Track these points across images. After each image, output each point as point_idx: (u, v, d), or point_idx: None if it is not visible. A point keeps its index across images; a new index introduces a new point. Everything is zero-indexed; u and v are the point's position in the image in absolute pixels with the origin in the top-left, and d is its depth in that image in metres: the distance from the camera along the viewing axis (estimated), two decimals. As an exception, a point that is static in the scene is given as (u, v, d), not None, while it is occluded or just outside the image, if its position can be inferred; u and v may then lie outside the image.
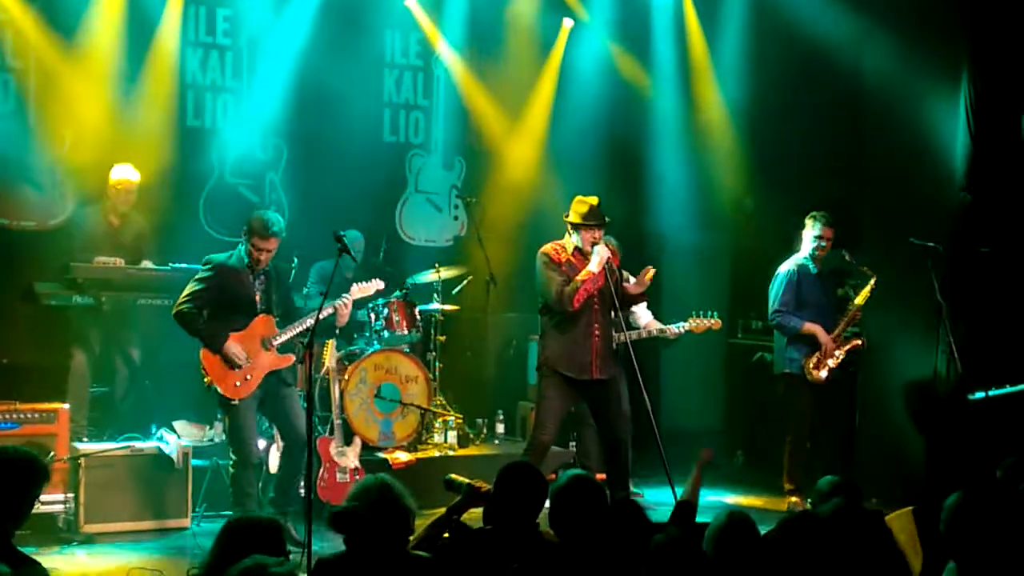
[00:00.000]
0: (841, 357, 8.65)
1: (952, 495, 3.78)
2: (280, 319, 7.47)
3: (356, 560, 4.19)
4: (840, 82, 9.81)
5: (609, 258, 7.53)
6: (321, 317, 6.96)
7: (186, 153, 9.84)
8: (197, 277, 7.36)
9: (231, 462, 7.36)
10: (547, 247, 7.70)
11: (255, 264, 7.34)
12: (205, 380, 7.27)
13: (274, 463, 7.93)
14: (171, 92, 9.81)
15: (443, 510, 4.95)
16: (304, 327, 7.33)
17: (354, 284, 7.74)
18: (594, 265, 7.47)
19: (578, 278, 7.49)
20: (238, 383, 7.23)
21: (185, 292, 7.31)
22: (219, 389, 7.25)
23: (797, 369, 8.71)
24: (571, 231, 7.67)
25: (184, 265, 8.45)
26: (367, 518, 4.17)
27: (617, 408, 7.69)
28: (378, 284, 7.83)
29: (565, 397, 7.75)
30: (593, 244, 7.54)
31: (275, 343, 7.35)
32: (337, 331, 7.84)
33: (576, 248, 7.64)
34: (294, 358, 7.55)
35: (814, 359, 8.64)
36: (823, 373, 8.62)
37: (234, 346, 7.22)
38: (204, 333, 7.26)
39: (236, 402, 7.24)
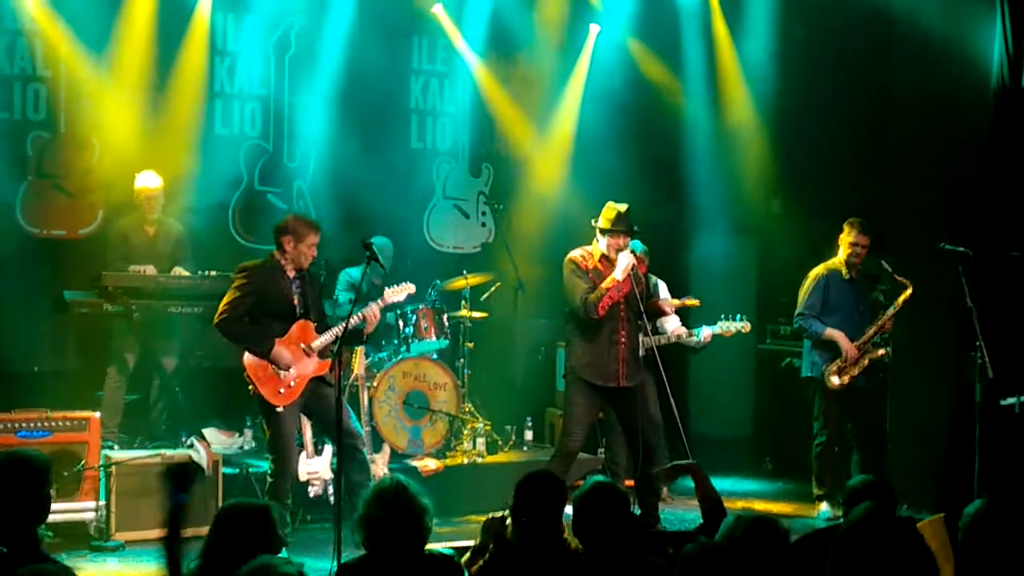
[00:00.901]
0: (865, 365, 8.59)
1: (974, 502, 3.74)
2: (317, 323, 7.43)
3: (377, 562, 4.23)
4: (869, 81, 9.75)
5: (635, 265, 7.53)
6: (352, 324, 7.01)
7: (215, 161, 9.89)
8: (234, 285, 7.29)
9: (270, 470, 7.31)
10: (574, 253, 7.71)
11: (299, 265, 7.30)
12: (249, 388, 7.24)
13: (302, 470, 7.92)
14: (200, 100, 9.86)
15: (470, 517, 4.97)
16: (336, 333, 7.32)
17: (386, 288, 7.73)
18: (619, 272, 7.47)
19: (603, 285, 7.49)
20: (282, 390, 7.19)
21: (224, 301, 7.25)
22: (264, 396, 7.20)
23: (818, 374, 8.68)
24: (599, 236, 7.67)
25: (214, 273, 8.50)
26: (384, 521, 4.22)
27: (645, 413, 7.67)
28: (409, 287, 7.77)
29: (592, 404, 7.74)
30: (618, 251, 7.54)
31: (316, 347, 7.30)
32: (366, 338, 7.83)
33: (603, 254, 7.64)
34: (329, 363, 7.53)
35: (835, 365, 8.59)
36: (840, 380, 8.55)
37: (280, 349, 7.18)
38: (250, 339, 7.22)
39: (280, 409, 7.19)
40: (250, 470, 8.01)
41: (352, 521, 4.45)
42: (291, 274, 7.34)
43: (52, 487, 4.57)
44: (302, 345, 7.29)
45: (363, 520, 4.28)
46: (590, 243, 7.78)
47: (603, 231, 7.62)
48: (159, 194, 8.81)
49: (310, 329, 7.35)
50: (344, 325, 6.95)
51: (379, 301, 7.53)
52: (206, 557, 4.17)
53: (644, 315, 7.60)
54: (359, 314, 7.31)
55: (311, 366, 7.30)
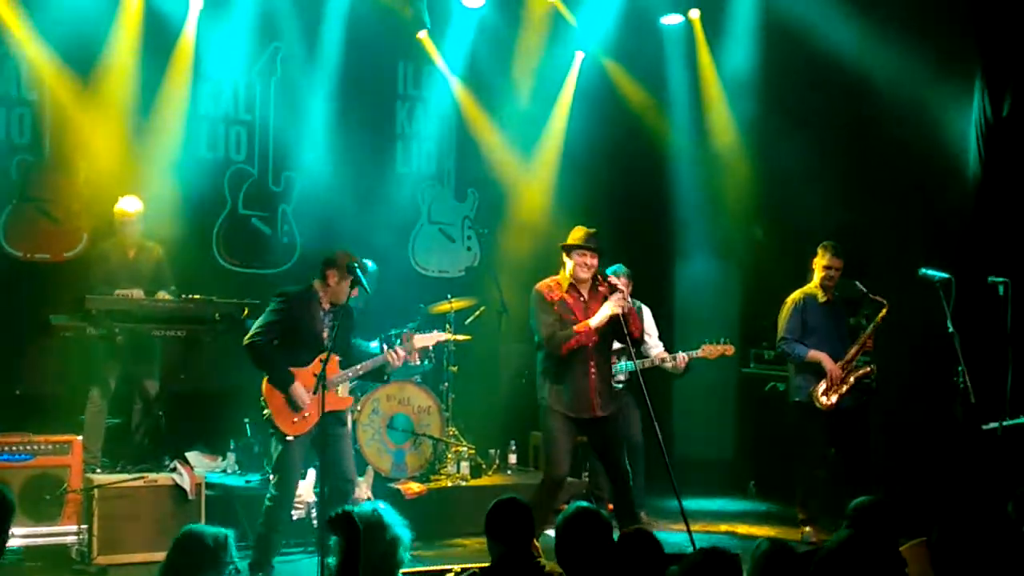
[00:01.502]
0: (851, 383, 8.64)
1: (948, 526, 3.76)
2: (342, 359, 7.37)
3: None
4: (851, 106, 9.82)
5: (622, 292, 7.48)
6: (374, 364, 7.26)
7: (199, 185, 9.89)
8: (271, 308, 7.25)
9: (270, 495, 7.25)
10: (541, 284, 7.61)
11: (337, 300, 7.24)
12: (264, 412, 7.21)
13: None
14: (185, 124, 9.86)
15: (454, 541, 4.99)
16: (365, 370, 7.34)
17: (415, 334, 7.71)
18: (595, 319, 7.37)
19: (576, 328, 7.39)
20: (295, 420, 7.13)
21: (257, 323, 7.23)
22: (277, 423, 7.17)
23: (805, 397, 8.71)
24: (566, 258, 7.59)
25: (198, 296, 8.49)
26: (353, 546, 4.20)
27: (619, 442, 7.66)
28: (440, 336, 7.81)
29: (570, 432, 7.60)
30: (588, 269, 7.45)
31: (335, 383, 7.26)
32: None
33: (571, 283, 7.53)
34: (352, 400, 7.50)
35: (822, 386, 8.63)
36: (829, 399, 8.59)
37: (299, 388, 7.10)
38: (274, 369, 7.16)
39: (291, 438, 7.15)
40: (234, 493, 7.97)
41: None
42: (326, 306, 7.28)
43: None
44: (323, 378, 7.19)
45: (336, 545, 4.30)
46: (559, 272, 7.70)
47: (568, 248, 7.53)
48: (136, 219, 8.75)
49: (334, 363, 7.25)
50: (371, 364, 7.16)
51: (406, 346, 7.50)
52: None
53: (630, 340, 7.54)
54: (388, 354, 7.32)
55: (328, 400, 7.13)
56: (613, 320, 7.34)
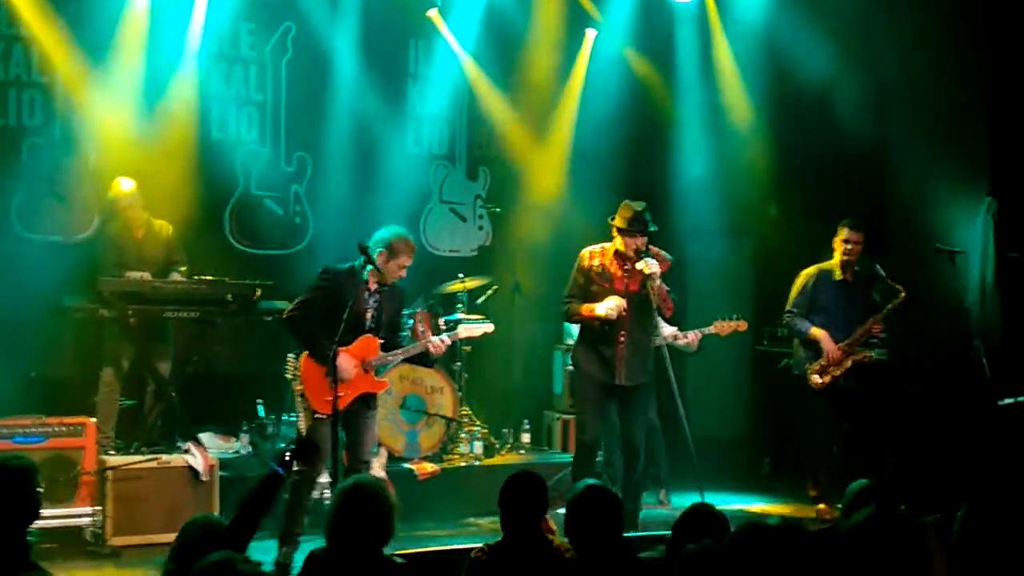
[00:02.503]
0: (848, 366, 8.56)
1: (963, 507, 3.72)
2: (384, 342, 7.27)
3: (335, 556, 4.29)
4: (867, 81, 9.76)
5: (652, 272, 7.51)
6: (416, 351, 7.28)
7: (211, 166, 9.87)
8: (313, 285, 7.17)
9: (296, 469, 7.24)
10: (586, 250, 7.83)
11: (384, 280, 7.13)
12: (297, 387, 7.18)
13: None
14: (196, 105, 9.83)
15: (468, 520, 5.02)
16: (406, 355, 7.29)
17: (461, 325, 7.71)
18: (601, 308, 7.58)
19: (581, 308, 7.67)
20: (329, 399, 6.96)
21: (298, 299, 7.16)
22: (309, 399, 7.09)
23: (803, 372, 8.68)
24: (615, 234, 7.68)
25: (210, 277, 8.49)
26: (345, 515, 4.28)
27: (639, 420, 7.70)
28: (487, 327, 7.82)
29: (598, 395, 7.78)
30: (636, 251, 7.57)
31: (375, 365, 7.20)
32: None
33: (617, 250, 7.68)
34: (388, 383, 7.46)
35: (817, 365, 8.59)
36: (821, 379, 8.53)
37: (344, 362, 6.97)
38: (315, 342, 7.02)
39: (321, 415, 7.03)
40: (246, 475, 7.98)
41: None
42: (373, 286, 7.17)
43: (40, 489, 4.54)
44: (363, 360, 7.14)
45: (329, 514, 4.38)
46: (590, 244, 7.86)
47: (619, 230, 7.64)
48: (131, 198, 8.59)
49: (375, 346, 7.17)
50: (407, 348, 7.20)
51: (454, 334, 7.51)
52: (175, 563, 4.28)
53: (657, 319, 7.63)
54: (420, 345, 7.31)
55: (364, 382, 7.18)
56: (647, 297, 7.52)
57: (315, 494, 7.92)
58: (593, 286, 7.70)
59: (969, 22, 8.87)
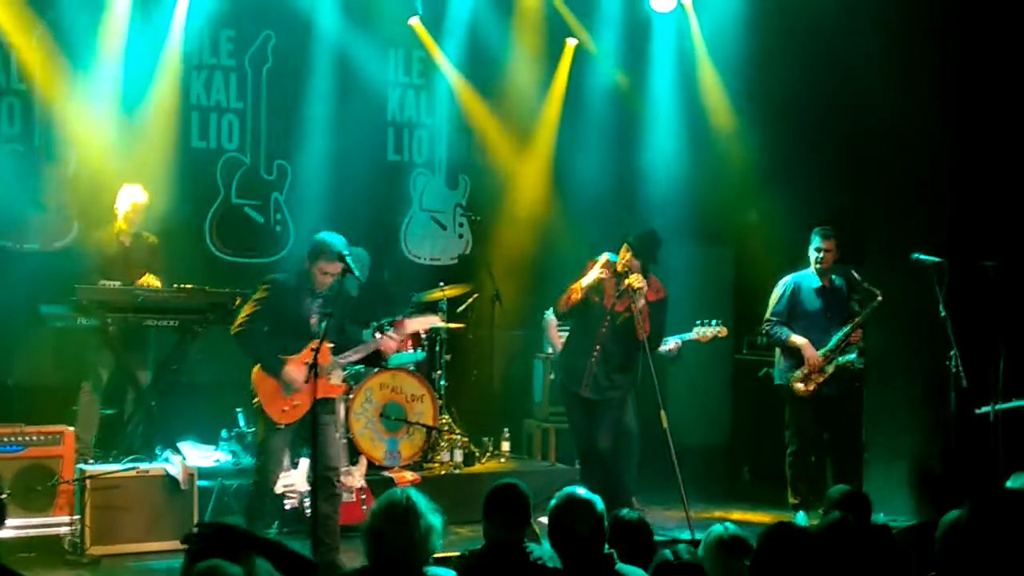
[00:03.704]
0: (830, 373, 8.59)
1: (950, 511, 3.74)
2: (335, 345, 7.26)
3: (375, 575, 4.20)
4: (843, 85, 9.79)
5: (640, 287, 7.69)
6: (366, 352, 7.24)
7: (191, 174, 9.86)
8: (255, 297, 7.18)
9: (253, 480, 7.26)
10: (604, 255, 8.06)
11: (317, 286, 7.16)
12: (254, 401, 7.17)
13: (279, 484, 7.88)
14: (176, 113, 9.83)
15: (450, 528, 4.96)
16: (357, 356, 7.29)
17: (408, 318, 7.71)
18: (586, 280, 7.87)
19: (573, 287, 7.92)
20: (285, 408, 7.05)
21: (243, 312, 7.17)
22: (267, 412, 7.10)
23: (786, 381, 8.71)
24: (624, 251, 7.96)
25: (191, 286, 8.48)
26: (385, 533, 4.17)
27: (600, 426, 7.90)
28: (433, 319, 7.86)
29: (576, 404, 8.06)
30: (623, 264, 7.84)
31: (329, 370, 7.20)
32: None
33: (615, 272, 7.92)
34: (345, 387, 7.46)
35: (800, 373, 8.60)
36: (805, 387, 8.55)
37: (292, 370, 7.02)
38: (263, 355, 7.08)
39: (280, 426, 7.09)
40: (225, 482, 7.96)
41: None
42: (315, 291, 7.18)
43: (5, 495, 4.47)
44: (314, 366, 7.08)
45: (366, 531, 4.24)
46: (569, 255, 8.03)
47: (631, 246, 7.91)
48: (143, 208, 8.75)
49: (326, 351, 7.13)
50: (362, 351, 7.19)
51: (399, 331, 7.51)
52: None
53: (646, 345, 7.75)
54: (374, 343, 7.31)
55: (319, 388, 7.10)
56: (631, 319, 7.78)
57: (294, 503, 7.94)
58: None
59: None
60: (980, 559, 3.56)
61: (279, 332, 7.10)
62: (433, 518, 4.25)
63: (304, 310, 7.14)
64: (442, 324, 7.90)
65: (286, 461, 7.87)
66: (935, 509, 5.15)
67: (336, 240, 7.09)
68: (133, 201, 8.71)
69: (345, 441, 8.29)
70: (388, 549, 4.17)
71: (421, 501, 4.26)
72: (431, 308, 9.70)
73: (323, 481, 7.08)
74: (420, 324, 7.70)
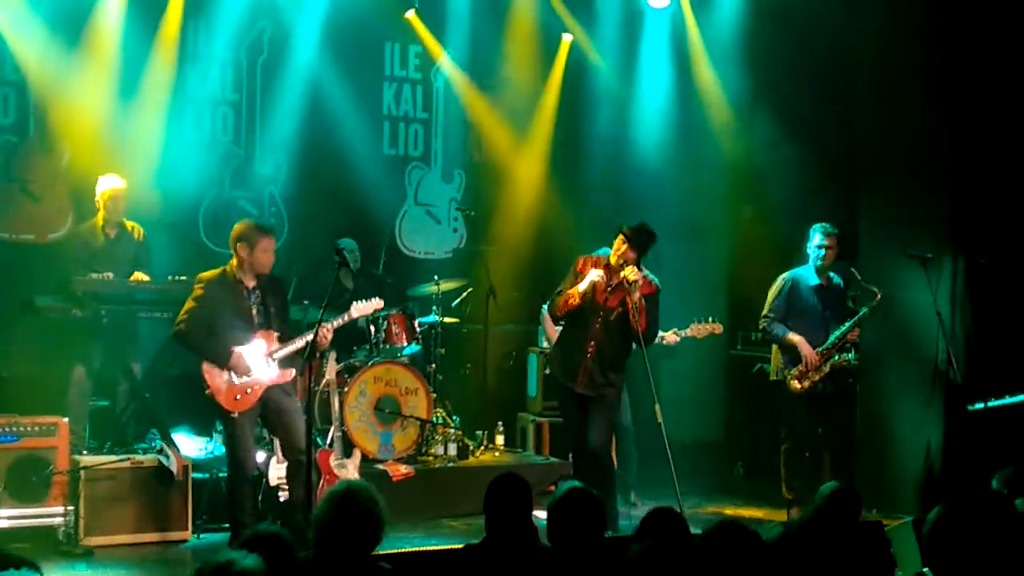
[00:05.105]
0: (826, 371, 8.59)
1: (935, 507, 3.75)
2: (279, 333, 7.41)
3: (321, 564, 4.21)
4: (839, 79, 9.81)
5: (635, 280, 7.59)
6: (318, 336, 7.05)
7: (186, 166, 9.84)
8: (190, 296, 7.32)
9: (228, 471, 7.38)
10: (584, 256, 7.93)
11: (258, 271, 7.27)
12: (206, 392, 7.26)
13: (272, 475, 7.91)
14: (171, 105, 9.80)
15: (442, 522, 4.96)
16: (304, 342, 7.31)
17: (353, 304, 7.73)
18: (582, 285, 7.68)
19: (567, 292, 7.73)
20: (238, 396, 7.21)
21: (181, 312, 7.30)
22: (220, 402, 7.23)
23: (782, 377, 8.71)
24: (619, 242, 7.81)
25: (184, 278, 8.46)
26: (331, 523, 4.20)
27: (593, 423, 7.82)
28: (377, 303, 7.82)
29: (568, 398, 7.97)
30: (619, 257, 7.67)
31: (276, 357, 7.31)
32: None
33: (607, 265, 7.76)
34: (295, 372, 7.51)
35: (797, 371, 8.59)
36: (801, 384, 8.55)
37: (239, 358, 7.19)
38: (207, 350, 7.23)
39: (235, 415, 7.23)
40: (220, 475, 7.96)
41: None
42: (250, 284, 7.32)
43: None
44: (262, 354, 7.29)
45: (314, 520, 4.30)
46: (564, 250, 7.97)
47: (626, 237, 7.72)
48: (123, 194, 8.70)
49: (272, 338, 7.33)
50: (315, 332, 7.03)
51: (343, 317, 7.53)
52: None
53: (642, 340, 7.67)
54: (324, 325, 7.26)
55: (269, 375, 7.29)
56: (624, 314, 7.67)
57: (286, 495, 7.94)
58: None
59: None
60: (959, 557, 3.58)
61: (223, 327, 7.24)
62: (378, 509, 4.26)
63: (242, 302, 7.28)
64: (380, 307, 7.83)
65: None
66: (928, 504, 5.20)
67: (254, 220, 7.28)
68: (111, 188, 8.61)
69: (340, 434, 8.29)
70: (332, 538, 4.20)
71: (366, 491, 4.29)
72: (425, 302, 9.72)
73: (294, 465, 7.23)
74: (365, 309, 7.71)
